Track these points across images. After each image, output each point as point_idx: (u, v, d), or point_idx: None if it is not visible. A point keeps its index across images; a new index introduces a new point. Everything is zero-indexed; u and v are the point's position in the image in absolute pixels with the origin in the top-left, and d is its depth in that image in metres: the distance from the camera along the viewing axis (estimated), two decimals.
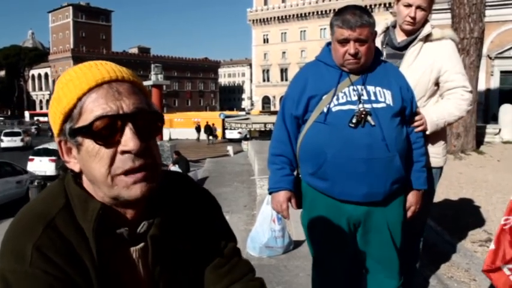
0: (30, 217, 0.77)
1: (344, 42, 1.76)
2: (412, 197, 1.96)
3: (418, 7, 2.15)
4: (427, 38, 2.23)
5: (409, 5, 2.16)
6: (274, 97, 68.08)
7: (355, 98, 1.78)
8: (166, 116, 33.63)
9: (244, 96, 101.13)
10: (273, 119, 26.91)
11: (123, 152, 0.74)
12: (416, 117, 1.98)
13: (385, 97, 1.81)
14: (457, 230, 3.86)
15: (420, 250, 2.47)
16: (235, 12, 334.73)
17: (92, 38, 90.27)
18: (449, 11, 9.51)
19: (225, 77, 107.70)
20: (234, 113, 53.06)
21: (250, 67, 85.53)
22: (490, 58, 16.60)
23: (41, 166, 16.30)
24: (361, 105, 1.76)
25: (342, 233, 1.87)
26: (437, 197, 4.06)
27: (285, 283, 3.20)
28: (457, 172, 6.74)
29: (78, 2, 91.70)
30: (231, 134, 35.56)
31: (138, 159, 0.74)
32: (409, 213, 1.96)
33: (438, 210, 4.30)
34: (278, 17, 67.80)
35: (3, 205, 10.97)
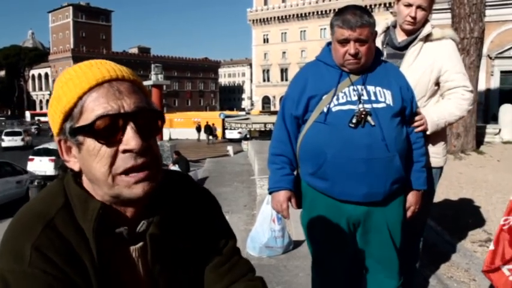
0: (29, 217, 0.77)
1: (344, 42, 1.76)
2: (411, 197, 1.96)
3: (418, 7, 2.15)
4: (428, 38, 2.22)
5: (409, 5, 2.16)
6: (274, 97, 68.10)
7: (355, 98, 1.78)
8: (167, 116, 33.56)
9: (244, 96, 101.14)
10: (273, 119, 26.94)
11: (125, 151, 0.74)
12: (417, 117, 1.98)
13: (385, 97, 1.81)
14: (457, 230, 3.86)
15: (420, 250, 2.47)
16: (235, 12, 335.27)
17: (92, 38, 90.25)
18: (449, 11, 9.51)
19: (225, 77, 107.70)
20: (234, 113, 53.05)
21: (250, 67, 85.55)
22: (490, 58, 16.60)
23: (41, 166, 16.29)
24: (361, 105, 1.76)
25: (342, 233, 1.87)
26: (437, 197, 4.06)
27: (284, 283, 3.20)
28: (457, 172, 6.74)
29: (78, 2, 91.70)
30: (231, 134, 35.56)
31: (140, 158, 0.74)
32: (408, 213, 1.96)
33: (438, 210, 4.30)
34: (278, 17, 67.81)
35: (3, 205, 10.96)
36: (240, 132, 34.54)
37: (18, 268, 0.71)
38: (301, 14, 65.50)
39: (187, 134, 36.18)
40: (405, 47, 2.24)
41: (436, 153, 2.28)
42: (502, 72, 16.96)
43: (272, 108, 61.12)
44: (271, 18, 68.31)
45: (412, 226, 2.05)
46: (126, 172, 0.74)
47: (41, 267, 0.71)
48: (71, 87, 0.75)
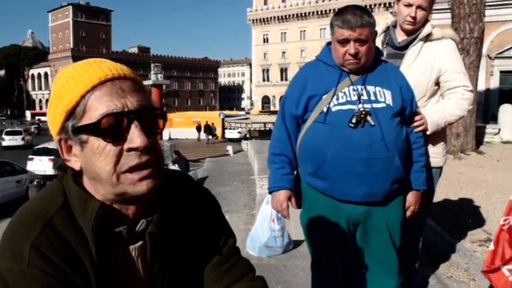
0: (28, 216, 0.76)
1: (344, 42, 1.75)
2: (411, 197, 1.96)
3: (418, 7, 2.15)
4: (428, 38, 2.22)
5: (409, 5, 2.16)
6: (274, 97, 68.11)
7: (355, 98, 1.78)
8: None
9: (244, 95, 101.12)
10: (272, 118, 26.95)
11: (130, 149, 0.74)
12: (417, 117, 1.98)
13: (385, 97, 1.81)
14: (456, 229, 3.86)
15: (420, 250, 2.47)
16: (235, 12, 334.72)
17: (91, 38, 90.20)
18: (449, 11, 9.51)
19: (225, 76, 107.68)
20: (234, 112, 53.04)
21: (250, 67, 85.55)
22: (490, 58, 16.61)
23: (40, 165, 16.31)
24: (360, 105, 1.76)
25: (342, 233, 1.87)
26: (437, 197, 4.06)
27: (284, 283, 3.20)
28: (456, 172, 6.75)
29: (78, 2, 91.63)
30: (230, 134, 35.56)
31: (144, 156, 0.75)
32: (408, 213, 1.96)
33: (438, 210, 4.30)
34: (278, 17, 67.81)
35: (2, 204, 10.96)
36: (239, 132, 34.55)
37: (18, 268, 0.70)
38: (301, 14, 65.51)
39: (187, 133, 36.18)
40: (405, 47, 2.24)
41: (436, 153, 2.28)
42: (501, 72, 16.97)
43: (272, 108, 61.13)
44: (271, 18, 68.31)
45: (411, 226, 2.05)
46: (131, 170, 0.74)
47: (40, 266, 0.71)
48: (72, 85, 0.75)
